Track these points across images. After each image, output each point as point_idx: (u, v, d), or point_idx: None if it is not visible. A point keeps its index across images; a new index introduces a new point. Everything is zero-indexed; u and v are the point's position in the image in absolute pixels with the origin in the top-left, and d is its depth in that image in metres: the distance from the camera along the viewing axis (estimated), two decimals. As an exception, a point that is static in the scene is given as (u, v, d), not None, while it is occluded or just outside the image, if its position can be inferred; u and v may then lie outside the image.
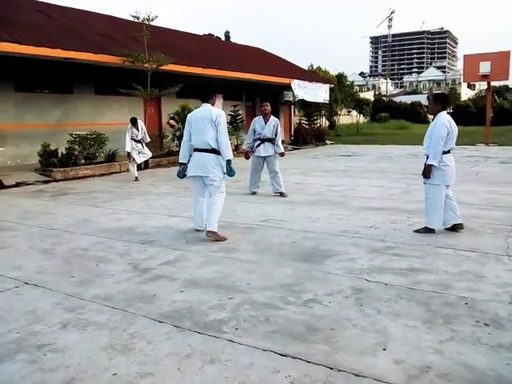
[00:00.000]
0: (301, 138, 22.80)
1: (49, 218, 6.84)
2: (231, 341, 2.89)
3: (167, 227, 6.05)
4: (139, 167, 11.46)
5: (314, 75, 28.52)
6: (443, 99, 5.55)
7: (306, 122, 25.29)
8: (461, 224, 5.51)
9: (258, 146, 8.39)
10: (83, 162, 12.43)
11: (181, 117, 16.05)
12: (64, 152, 12.04)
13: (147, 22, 14.63)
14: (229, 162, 5.34)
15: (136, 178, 10.96)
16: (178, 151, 5.81)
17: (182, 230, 5.89)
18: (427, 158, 5.35)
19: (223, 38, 47.34)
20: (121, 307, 3.46)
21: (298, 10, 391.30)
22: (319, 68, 33.67)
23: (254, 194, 8.47)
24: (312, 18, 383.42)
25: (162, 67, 14.51)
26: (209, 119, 5.27)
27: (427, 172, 5.33)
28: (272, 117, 8.53)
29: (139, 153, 11.23)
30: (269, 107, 8.50)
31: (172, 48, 16.76)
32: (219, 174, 5.37)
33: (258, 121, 8.52)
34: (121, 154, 13.43)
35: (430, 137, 5.33)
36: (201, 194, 5.61)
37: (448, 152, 5.36)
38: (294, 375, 2.50)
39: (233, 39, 46.27)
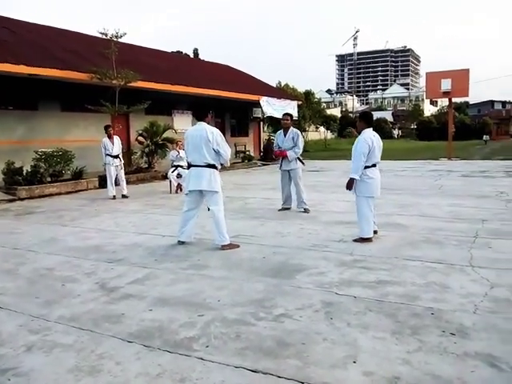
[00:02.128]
0: (270, 154, 22.95)
1: (13, 237, 6.64)
2: (202, 359, 2.86)
3: (136, 245, 5.97)
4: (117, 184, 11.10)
5: (283, 92, 28.95)
6: (366, 117, 5.99)
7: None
8: (376, 231, 6.00)
9: (282, 160, 8.26)
10: (49, 179, 12.14)
11: (149, 133, 15.98)
12: (29, 170, 11.76)
13: (115, 39, 14.56)
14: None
15: (114, 196, 10.70)
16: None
17: (150, 247, 5.82)
18: None
19: (192, 55, 47.55)
20: (88, 328, 3.38)
21: (266, 29, 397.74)
22: (287, 85, 34.22)
23: (285, 209, 8.29)
24: (280, 37, 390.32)
25: (130, 84, 14.44)
26: (204, 137, 5.51)
27: (349, 185, 5.75)
28: (292, 129, 8.28)
29: (116, 167, 11.00)
30: (289, 120, 8.30)
31: (140, 65, 16.73)
32: (218, 187, 5.63)
33: (279, 135, 8.38)
34: (88, 172, 13.23)
35: (354, 153, 5.73)
36: (195, 209, 5.84)
37: (373, 166, 5.75)
38: (265, 391, 2.49)
39: (201, 56, 46.53)
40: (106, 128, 11.17)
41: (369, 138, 5.68)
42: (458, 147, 27.26)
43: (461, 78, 22.21)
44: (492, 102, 77.52)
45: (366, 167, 5.68)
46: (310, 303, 3.75)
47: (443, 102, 59.92)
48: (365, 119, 5.94)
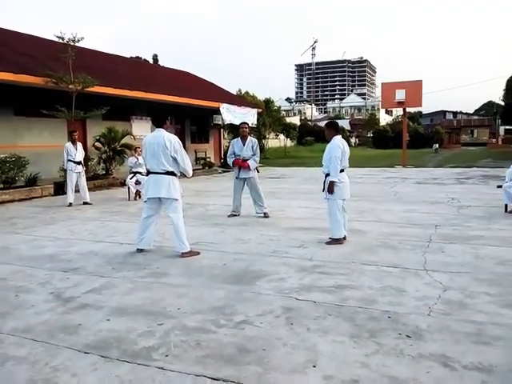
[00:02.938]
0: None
1: (-40, 247, 6.33)
2: (162, 368, 2.82)
3: (92, 253, 5.82)
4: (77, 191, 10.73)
5: (243, 100, 29.05)
6: (334, 125, 6.37)
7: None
8: (344, 237, 6.18)
9: (240, 168, 8.32)
10: (1, 186, 11.69)
11: (107, 139, 15.66)
12: (-21, 176, 11.27)
13: (72, 43, 14.21)
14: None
15: (70, 203, 10.34)
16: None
17: (108, 255, 5.69)
18: (326, 177, 6.07)
19: (151, 61, 47.01)
20: (42, 339, 3.26)
21: (226, 37, 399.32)
22: (247, 93, 34.35)
23: (233, 216, 8.40)
24: (240, 45, 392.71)
25: (87, 89, 14.10)
26: (161, 144, 5.47)
27: (331, 188, 5.98)
28: (250, 137, 8.50)
29: (79, 173, 10.62)
30: (247, 129, 8.50)
31: (98, 70, 16.39)
32: (178, 195, 5.58)
33: (236, 143, 8.45)
34: (42, 178, 12.81)
35: (329, 158, 6.01)
36: (154, 215, 5.78)
37: (342, 171, 6.06)
38: (226, 398, 2.48)
39: (161, 63, 46.06)
40: (71, 133, 10.86)
41: (340, 143, 6.03)
42: (412, 155, 28.16)
43: (414, 88, 23.02)
44: (444, 112, 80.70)
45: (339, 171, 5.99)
46: (270, 309, 3.77)
47: (398, 112, 61.75)
48: (333, 127, 6.29)
